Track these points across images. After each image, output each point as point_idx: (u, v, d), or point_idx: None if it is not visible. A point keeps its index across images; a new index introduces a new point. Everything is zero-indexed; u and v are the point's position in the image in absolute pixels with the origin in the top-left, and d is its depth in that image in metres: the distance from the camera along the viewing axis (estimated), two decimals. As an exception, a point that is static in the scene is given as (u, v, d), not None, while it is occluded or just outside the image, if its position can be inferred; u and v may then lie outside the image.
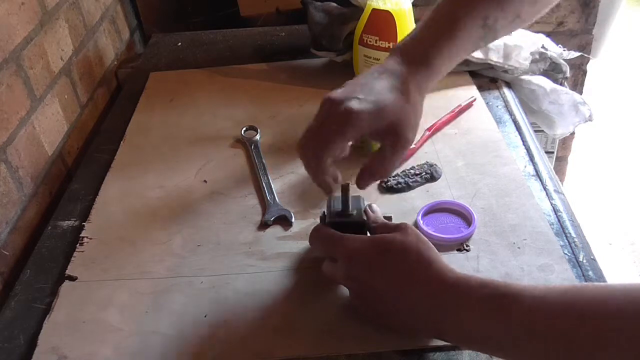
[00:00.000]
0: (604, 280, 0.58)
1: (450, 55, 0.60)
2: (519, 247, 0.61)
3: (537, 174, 0.71)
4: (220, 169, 0.76)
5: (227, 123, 0.85)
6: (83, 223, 0.69)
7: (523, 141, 0.77)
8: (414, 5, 0.83)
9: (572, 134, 1.20)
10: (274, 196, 0.70)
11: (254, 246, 0.64)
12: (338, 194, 0.58)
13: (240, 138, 0.81)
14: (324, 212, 0.60)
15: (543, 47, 0.89)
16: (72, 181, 0.78)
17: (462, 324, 0.47)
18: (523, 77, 0.88)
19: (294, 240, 0.64)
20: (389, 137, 0.56)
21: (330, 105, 0.54)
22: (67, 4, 0.91)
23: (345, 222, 0.58)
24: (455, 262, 0.59)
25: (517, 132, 0.79)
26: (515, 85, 0.89)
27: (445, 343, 0.51)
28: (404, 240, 0.52)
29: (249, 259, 0.63)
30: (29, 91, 0.77)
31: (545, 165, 0.73)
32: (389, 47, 0.82)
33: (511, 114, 0.83)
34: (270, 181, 0.72)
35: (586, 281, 0.57)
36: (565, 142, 1.50)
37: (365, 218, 0.59)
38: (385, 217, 0.60)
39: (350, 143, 0.55)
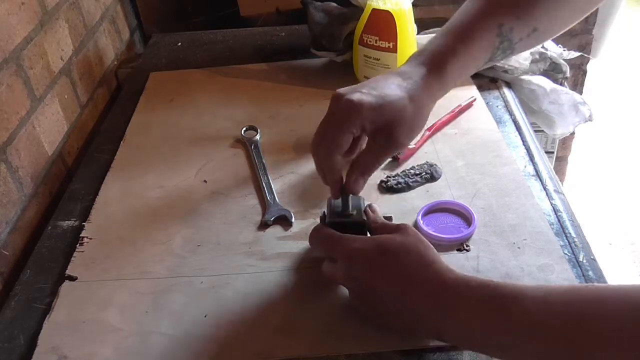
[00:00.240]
0: (604, 280, 0.58)
1: (465, 62, 0.59)
2: (519, 247, 0.61)
3: (537, 174, 0.71)
4: (220, 169, 0.76)
5: (227, 123, 0.85)
6: (83, 223, 0.69)
7: (523, 141, 0.77)
8: (414, 5, 0.83)
9: (572, 134, 1.20)
10: (274, 196, 0.70)
11: (254, 246, 0.64)
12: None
13: (240, 138, 0.81)
14: (324, 212, 0.60)
15: (543, 47, 0.89)
16: (72, 181, 0.78)
17: (462, 325, 0.47)
18: (523, 77, 0.88)
19: (294, 240, 0.64)
20: (382, 134, 0.56)
21: (335, 99, 0.55)
22: (67, 4, 0.91)
23: (345, 222, 0.58)
24: (455, 262, 0.59)
25: (517, 132, 0.79)
26: (515, 85, 0.89)
27: (446, 343, 0.51)
28: (404, 241, 0.52)
29: (249, 259, 0.63)
30: (29, 91, 0.77)
31: (545, 165, 0.73)
32: (389, 47, 0.82)
33: (511, 114, 0.83)
34: (270, 181, 0.72)
35: (586, 281, 0.57)
36: (565, 142, 1.50)
37: (365, 218, 0.59)
38: (385, 217, 0.60)
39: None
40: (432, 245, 0.53)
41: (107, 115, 0.93)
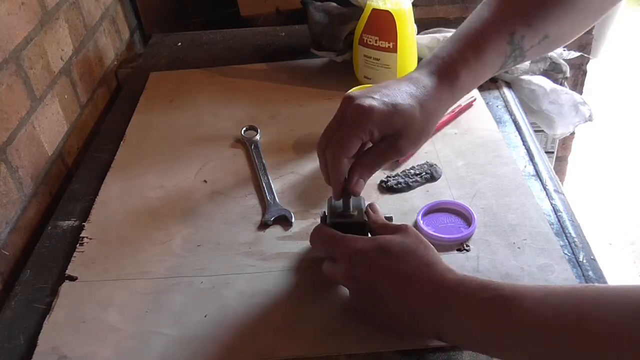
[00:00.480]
0: (604, 280, 0.58)
1: (476, 70, 0.59)
2: (519, 247, 0.61)
3: (537, 174, 0.71)
4: (220, 169, 0.76)
5: (227, 123, 0.85)
6: (83, 223, 0.69)
7: (523, 141, 0.77)
8: (414, 5, 0.83)
9: (572, 134, 1.20)
10: (274, 196, 0.70)
11: (254, 246, 0.64)
12: None
13: (240, 138, 0.81)
14: (324, 212, 0.60)
15: (543, 47, 0.89)
16: (72, 181, 0.78)
17: (462, 325, 0.47)
18: (523, 77, 0.88)
19: (294, 240, 0.64)
20: (386, 141, 0.57)
21: (345, 103, 0.55)
22: (67, 4, 0.91)
23: (346, 223, 0.58)
24: (455, 262, 0.59)
25: (517, 132, 0.79)
26: (515, 85, 0.89)
27: (446, 343, 0.51)
28: (405, 241, 0.52)
29: (249, 259, 0.63)
30: (29, 91, 0.77)
31: (545, 165, 0.73)
32: (389, 47, 0.82)
33: (511, 114, 0.83)
34: (270, 181, 0.72)
35: (586, 281, 0.57)
36: (565, 142, 1.50)
37: (366, 218, 0.59)
38: (386, 218, 0.60)
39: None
40: (432, 246, 0.53)
41: (107, 115, 0.93)
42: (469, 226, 0.63)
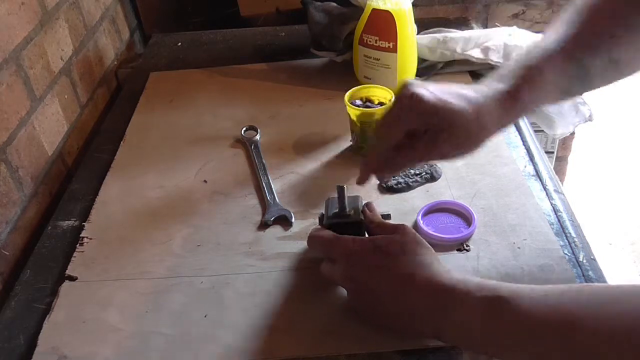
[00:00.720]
0: (604, 280, 0.58)
1: (539, 95, 0.56)
2: (519, 247, 0.61)
3: (537, 174, 0.71)
4: (220, 169, 0.76)
5: (227, 123, 0.85)
6: (83, 223, 0.69)
7: (523, 141, 0.77)
8: (414, 5, 0.83)
9: (572, 134, 1.20)
10: (274, 196, 0.70)
11: (254, 246, 0.64)
12: (335, 195, 0.59)
13: (240, 138, 0.81)
14: (322, 213, 0.61)
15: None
16: (72, 181, 0.78)
17: (460, 325, 0.47)
18: (523, 77, 0.88)
19: (294, 240, 0.64)
20: (430, 133, 0.55)
21: (401, 87, 0.55)
22: (67, 4, 0.91)
23: (343, 223, 0.58)
24: (455, 262, 0.59)
25: (517, 132, 0.79)
26: (515, 85, 0.89)
27: (445, 344, 0.51)
28: (402, 242, 0.52)
29: (249, 259, 0.63)
30: (29, 91, 0.77)
31: (545, 165, 0.73)
32: (389, 47, 0.82)
33: (511, 114, 0.82)
34: (270, 181, 0.72)
35: (586, 281, 0.57)
36: (565, 142, 1.50)
37: (362, 218, 0.59)
38: (383, 215, 0.60)
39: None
40: (430, 246, 0.53)
41: (107, 115, 0.93)
42: (469, 226, 0.63)
